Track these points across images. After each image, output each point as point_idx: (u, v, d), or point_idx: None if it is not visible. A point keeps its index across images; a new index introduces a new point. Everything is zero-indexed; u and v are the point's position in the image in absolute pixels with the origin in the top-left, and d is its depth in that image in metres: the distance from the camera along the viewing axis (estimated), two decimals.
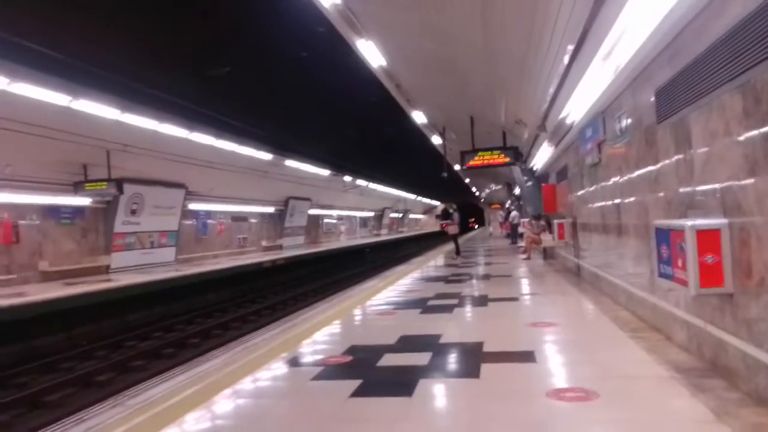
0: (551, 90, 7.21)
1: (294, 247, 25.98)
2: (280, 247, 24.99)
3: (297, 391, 3.88)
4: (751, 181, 2.92)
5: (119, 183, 13.30)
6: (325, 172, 24.52)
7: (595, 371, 3.82)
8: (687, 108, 3.68)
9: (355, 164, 26.14)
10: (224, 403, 3.62)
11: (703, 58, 3.35)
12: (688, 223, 3.27)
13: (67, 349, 9.91)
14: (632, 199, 5.45)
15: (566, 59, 5.77)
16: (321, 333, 5.80)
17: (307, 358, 4.69)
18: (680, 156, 3.94)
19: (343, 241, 33.78)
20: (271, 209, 24.75)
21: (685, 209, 3.83)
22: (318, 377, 4.06)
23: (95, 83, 10.63)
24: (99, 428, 3.12)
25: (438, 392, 3.68)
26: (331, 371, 4.20)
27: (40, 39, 9.34)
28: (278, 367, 4.52)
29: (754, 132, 2.83)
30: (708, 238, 3.19)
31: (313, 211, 29.16)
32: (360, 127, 18.12)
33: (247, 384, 4.03)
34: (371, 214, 42.85)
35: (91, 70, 10.04)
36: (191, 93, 12.64)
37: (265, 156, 18.61)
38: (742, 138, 2.98)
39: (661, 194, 4.44)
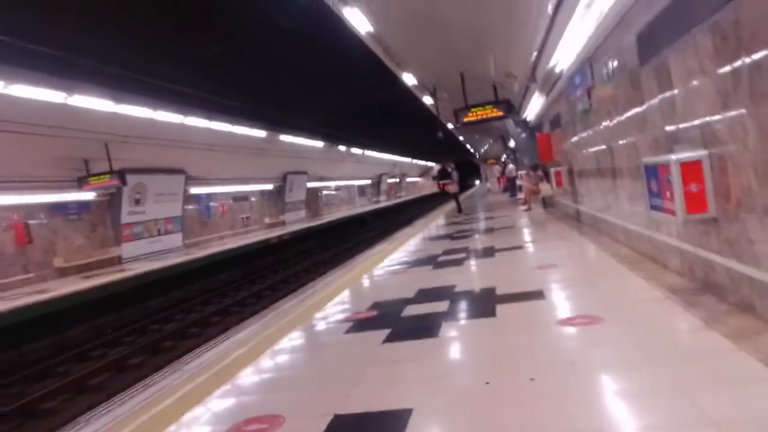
0: (539, 40, 7.42)
1: (297, 221, 26.32)
2: (283, 223, 25.34)
3: (334, 343, 4.28)
4: (724, 113, 3.24)
5: (122, 174, 13.52)
6: (320, 144, 24.69)
7: (599, 300, 4.23)
8: (666, 50, 3.97)
9: (348, 133, 26.25)
10: (270, 360, 4.03)
11: (678, 2, 3.62)
12: (673, 157, 3.61)
13: (96, 338, 10.36)
14: (623, 140, 5.76)
15: (550, 8, 5.99)
16: (342, 295, 6.20)
17: (335, 317, 5.09)
18: (663, 96, 4.24)
19: (344, 211, 34.14)
20: (270, 186, 25.00)
21: (671, 145, 4.15)
22: (350, 331, 4.47)
23: (88, 77, 10.76)
24: (164, 391, 3.52)
25: (461, 331, 4.08)
26: (360, 325, 4.60)
27: (30, 37, 9.44)
28: (311, 327, 4.94)
29: (725, 68, 3.14)
30: (691, 169, 3.52)
31: (311, 184, 29.40)
32: (351, 96, 18.19)
33: (285, 343, 4.44)
34: (368, 181, 43.08)
35: (82, 64, 10.14)
36: (182, 77, 12.73)
37: (260, 133, 18.78)
38: (714, 75, 3.29)
39: (649, 133, 4.75)
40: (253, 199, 24.14)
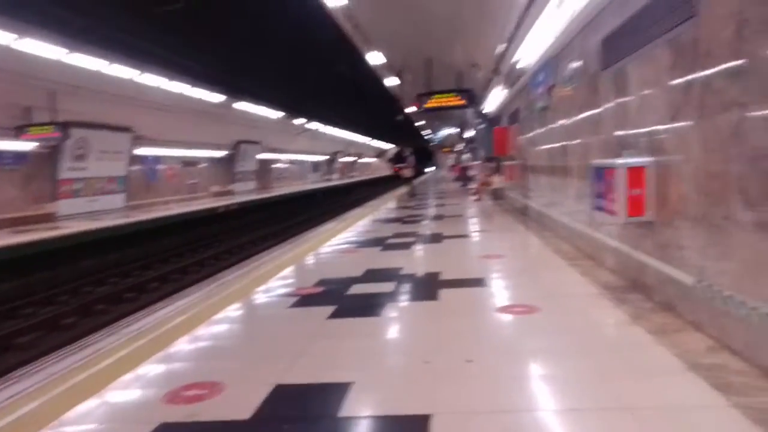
0: (507, 33, 7.56)
1: (245, 192, 25.85)
2: (232, 193, 24.84)
3: (278, 316, 4.29)
4: (672, 125, 3.43)
5: (65, 126, 12.88)
6: (277, 115, 24.26)
7: (537, 291, 4.42)
8: (627, 57, 4.14)
9: (308, 106, 25.91)
10: (211, 329, 3.99)
11: (643, 13, 3.78)
12: (620, 161, 3.79)
13: (27, 295, 9.92)
14: (577, 141, 5.98)
15: (523, 3, 6.10)
16: (288, 270, 6.19)
17: (280, 291, 5.09)
18: (618, 101, 4.43)
19: (295, 186, 33.77)
20: (221, 154, 24.42)
21: (620, 150, 4.35)
22: (295, 305, 4.49)
23: (41, 20, 10.15)
24: (101, 352, 3.44)
25: (403, 312, 4.18)
26: (306, 300, 4.63)
27: None
28: (254, 299, 4.92)
29: (678, 82, 3.31)
30: (636, 174, 3.72)
31: (263, 156, 28.89)
32: (315, 69, 17.92)
33: (227, 314, 4.41)
34: (323, 158, 42.72)
35: (37, 6, 9.56)
36: (141, 30, 12.20)
37: (216, 98, 18.26)
38: (667, 87, 3.46)
39: (601, 137, 4.96)
40: (202, 165, 23.51)
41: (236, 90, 18.97)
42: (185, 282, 10.77)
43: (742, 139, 2.67)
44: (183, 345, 3.63)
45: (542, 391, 2.66)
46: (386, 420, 2.40)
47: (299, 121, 28.08)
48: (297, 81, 19.61)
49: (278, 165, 33.25)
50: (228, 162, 25.23)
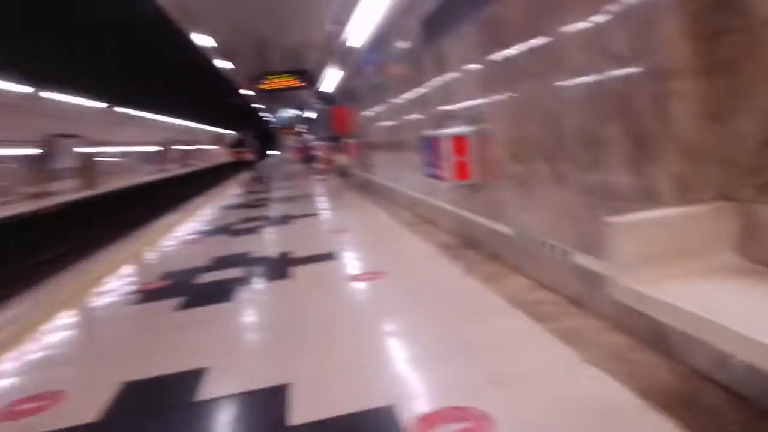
0: (337, 14, 7.69)
1: (66, 191, 23.16)
2: (49, 194, 22.07)
3: (121, 315, 4.01)
4: (485, 97, 3.84)
5: None
6: (97, 105, 21.96)
7: (382, 258, 4.72)
8: (443, 37, 4.51)
9: (133, 94, 23.79)
10: (44, 340, 3.61)
11: None
12: (445, 131, 4.16)
13: None
14: (409, 116, 6.37)
15: None
16: (129, 267, 5.78)
17: (122, 289, 4.74)
18: (440, 77, 4.82)
19: (126, 180, 31.03)
20: (31, 150, 21.49)
21: (446, 121, 4.76)
22: (139, 302, 4.23)
23: None
24: None
25: (256, 294, 4.18)
26: (151, 295, 4.38)
27: None
28: (93, 301, 4.52)
29: (486, 58, 3.71)
30: (459, 142, 4.11)
31: (85, 149, 26.04)
32: (137, 53, 16.47)
33: (64, 320, 4.01)
34: (155, 148, 39.72)
35: None
36: None
37: (19, 89, 15.98)
38: (478, 63, 3.86)
39: (429, 110, 5.36)
40: (8, 165, 20.50)
41: (45, 79, 16.75)
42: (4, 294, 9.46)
43: (537, 105, 3.11)
44: (11, 361, 3.25)
45: (393, 345, 2.89)
46: (246, 396, 2.43)
47: (124, 110, 25.69)
48: (119, 67, 17.89)
49: (104, 158, 30.23)
50: (42, 159, 22.30)
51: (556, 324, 2.81)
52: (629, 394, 2.05)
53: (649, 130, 2.18)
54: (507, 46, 3.40)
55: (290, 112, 34.53)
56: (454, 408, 2.08)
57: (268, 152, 53.49)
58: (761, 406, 1.83)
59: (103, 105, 22.13)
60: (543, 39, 2.97)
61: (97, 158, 28.81)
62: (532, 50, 3.10)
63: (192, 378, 2.63)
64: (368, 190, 10.55)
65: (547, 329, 2.76)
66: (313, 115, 24.58)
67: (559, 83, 2.83)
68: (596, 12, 2.42)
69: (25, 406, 2.53)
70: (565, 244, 3.00)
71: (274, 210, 9.52)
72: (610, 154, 2.48)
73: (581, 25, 2.57)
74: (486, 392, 2.19)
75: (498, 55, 3.54)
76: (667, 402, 1.96)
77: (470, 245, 4.59)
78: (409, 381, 2.45)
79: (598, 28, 2.44)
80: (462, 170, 4.17)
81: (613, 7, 2.31)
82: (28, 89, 15.91)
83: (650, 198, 2.21)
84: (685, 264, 1.93)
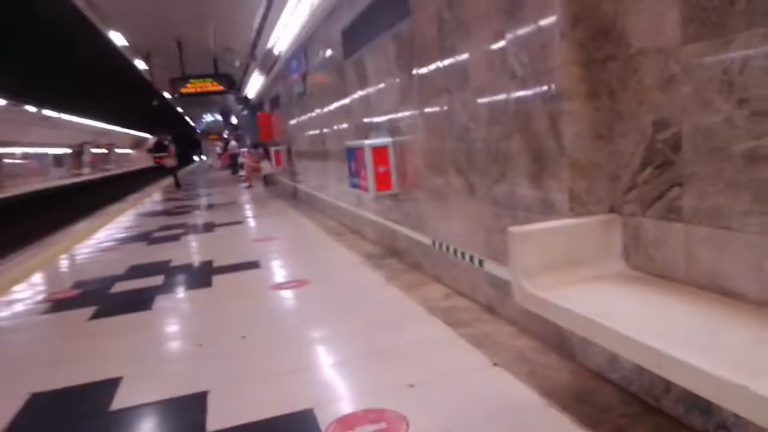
0: (258, 19, 7.66)
1: None
2: None
3: (27, 325, 3.80)
4: (403, 109, 4.00)
5: None
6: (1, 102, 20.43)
7: (307, 267, 4.75)
8: (363, 49, 4.64)
9: (42, 92, 22.31)
10: None
11: (370, 10, 4.28)
12: (366, 142, 4.29)
13: None
14: (333, 125, 6.45)
15: None
16: (37, 276, 5.45)
17: (28, 299, 4.48)
18: (361, 88, 4.94)
19: (34, 184, 28.98)
20: None
21: (368, 132, 4.88)
22: (47, 311, 4.03)
23: None
24: None
25: (175, 302, 4.09)
26: (60, 305, 4.18)
27: None
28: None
29: (403, 72, 3.87)
30: (380, 153, 4.24)
31: None
32: (46, 50, 15.50)
33: None
34: (68, 150, 37.38)
35: None
36: None
37: None
38: (396, 76, 4.02)
39: (352, 120, 5.46)
40: None
41: None
42: None
43: (451, 119, 3.29)
44: None
45: (311, 351, 2.94)
46: (163, 404, 2.41)
47: (32, 108, 24.04)
48: (26, 63, 16.74)
49: (9, 160, 28.12)
50: None
51: (469, 329, 2.97)
52: (532, 393, 2.22)
53: (545, 147, 2.39)
54: (420, 60, 3.57)
55: (215, 117, 33.65)
56: (371, 410, 2.17)
57: (192, 158, 51.75)
58: (646, 402, 2.05)
59: (6, 102, 20.58)
60: (453, 56, 3.15)
61: (2, 159, 26.79)
62: (444, 67, 3.28)
63: (106, 387, 2.57)
64: (294, 198, 10.51)
65: (460, 334, 2.91)
66: (238, 120, 24.08)
67: (468, 99, 3.02)
68: (500, 35, 2.62)
69: None
70: (478, 253, 3.18)
71: (197, 217, 9.28)
72: (513, 168, 2.68)
73: (486, 46, 2.76)
74: (401, 395, 2.29)
75: (412, 69, 3.70)
76: (565, 399, 2.15)
77: (393, 254, 4.73)
78: (329, 385, 2.52)
79: (501, 50, 2.64)
80: (383, 180, 4.30)
81: (515, 32, 2.51)
82: None
83: (550, 209, 2.42)
84: (579, 271, 2.12)
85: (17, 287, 4.93)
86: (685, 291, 1.87)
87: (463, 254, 3.37)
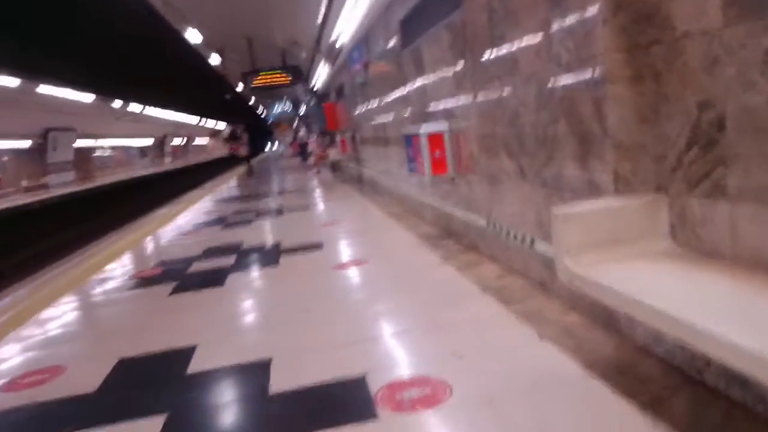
0: (321, 12, 7.90)
1: (63, 184, 23.29)
2: (46, 186, 22.22)
3: (117, 299, 4.26)
4: (458, 96, 4.08)
5: None
6: (91, 98, 22.03)
7: (367, 248, 4.97)
8: (419, 38, 4.74)
9: (127, 88, 23.83)
10: (46, 321, 3.85)
11: (425, 1, 4.38)
12: (422, 129, 4.40)
13: None
14: (393, 112, 6.59)
15: None
16: (125, 256, 6.01)
17: (118, 276, 4.99)
18: (418, 76, 5.05)
19: (122, 174, 31.13)
20: (26, 143, 21.62)
21: (424, 119, 4.99)
22: (134, 287, 4.48)
23: None
24: None
25: (246, 280, 4.43)
26: (145, 281, 4.64)
27: None
28: (91, 287, 4.77)
29: (458, 60, 3.95)
30: (436, 139, 4.34)
31: (81, 143, 26.15)
32: (128, 48, 16.54)
33: (64, 303, 4.26)
34: (150, 142, 39.75)
35: None
36: None
37: (10, 82, 16.10)
38: (451, 64, 4.10)
39: (410, 108, 5.59)
40: (5, 158, 20.65)
41: (37, 72, 16.81)
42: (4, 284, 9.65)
43: (502, 105, 3.34)
44: (14, 340, 3.50)
45: (368, 324, 3.13)
46: (232, 369, 2.68)
47: (118, 103, 25.74)
48: (111, 61, 17.94)
49: (100, 152, 30.35)
50: (37, 152, 22.43)
51: (520, 306, 3.05)
52: (575, 365, 2.29)
53: (590, 130, 2.43)
54: (472, 48, 3.63)
55: (286, 109, 34.66)
56: (418, 377, 2.33)
57: (265, 147, 53.48)
58: (689, 375, 2.08)
59: (95, 98, 22.16)
60: (503, 45, 3.20)
61: (93, 152, 28.92)
62: (495, 54, 3.34)
63: (182, 354, 2.87)
64: (359, 183, 10.76)
65: (511, 311, 3.00)
66: (306, 110, 24.73)
67: (517, 86, 3.08)
68: (546, 23, 2.66)
69: (28, 380, 2.78)
70: (530, 233, 3.25)
71: (268, 203, 9.73)
72: (561, 151, 2.72)
73: (534, 34, 2.81)
74: (448, 364, 2.43)
75: (466, 57, 3.77)
76: (608, 371, 2.21)
77: (449, 236, 4.84)
78: (381, 355, 2.70)
79: (548, 37, 2.68)
80: (438, 165, 4.41)
81: (560, 19, 2.55)
82: (13, 81, 16.06)
83: (595, 190, 2.46)
84: (624, 249, 2.16)
85: (109, 266, 5.47)
86: (730, 268, 1.87)
87: (515, 234, 3.44)
